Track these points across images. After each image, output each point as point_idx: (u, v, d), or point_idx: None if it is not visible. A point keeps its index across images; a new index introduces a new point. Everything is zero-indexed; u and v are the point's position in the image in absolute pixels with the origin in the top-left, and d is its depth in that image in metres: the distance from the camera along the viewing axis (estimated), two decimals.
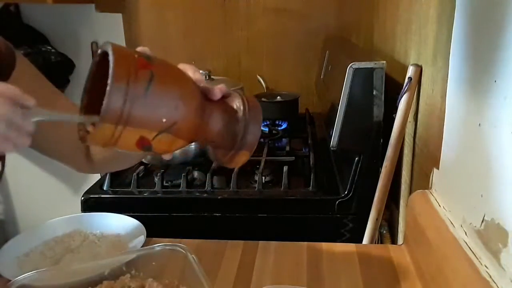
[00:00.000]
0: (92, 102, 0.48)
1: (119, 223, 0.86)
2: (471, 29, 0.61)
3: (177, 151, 1.13)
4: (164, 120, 0.45)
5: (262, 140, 1.40)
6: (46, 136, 0.71)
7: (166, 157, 0.54)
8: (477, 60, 0.59)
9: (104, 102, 0.42)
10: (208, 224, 1.03)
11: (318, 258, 0.76)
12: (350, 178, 0.96)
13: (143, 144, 0.45)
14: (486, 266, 0.54)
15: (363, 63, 0.89)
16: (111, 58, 0.42)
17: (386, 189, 0.89)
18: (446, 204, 0.70)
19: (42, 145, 0.73)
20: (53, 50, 1.79)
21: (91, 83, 0.49)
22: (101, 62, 0.47)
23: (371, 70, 0.88)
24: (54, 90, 0.73)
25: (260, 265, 0.74)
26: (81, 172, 0.79)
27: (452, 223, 0.65)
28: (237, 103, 0.52)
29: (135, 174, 1.09)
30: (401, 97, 0.84)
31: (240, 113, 0.51)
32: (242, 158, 0.52)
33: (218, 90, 0.51)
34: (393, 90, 0.89)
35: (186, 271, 0.62)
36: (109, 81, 0.42)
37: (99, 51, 0.47)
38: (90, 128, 0.46)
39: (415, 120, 0.87)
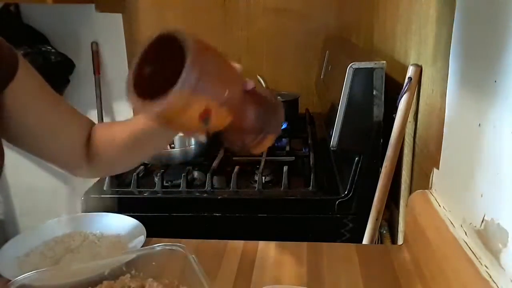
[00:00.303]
0: (140, 83, 0.52)
1: (119, 223, 0.86)
2: (471, 29, 0.61)
3: (177, 151, 1.13)
4: (226, 92, 0.51)
5: None
6: (44, 143, 0.71)
7: (202, 138, 0.63)
8: (477, 60, 0.59)
9: (183, 74, 0.46)
10: (208, 224, 1.03)
11: (318, 258, 0.76)
12: (350, 178, 0.96)
13: (205, 115, 0.50)
14: (486, 266, 0.54)
15: (363, 63, 0.89)
16: (182, 36, 0.48)
17: (386, 189, 0.89)
18: (446, 204, 0.70)
19: (40, 150, 0.72)
20: (53, 50, 1.79)
21: (140, 65, 0.53)
22: (153, 46, 0.52)
23: (371, 70, 0.88)
24: (54, 93, 0.73)
25: (260, 265, 0.74)
26: (79, 176, 0.79)
27: (452, 223, 0.65)
28: (263, 92, 0.60)
29: (135, 174, 1.09)
30: (401, 97, 0.84)
31: (269, 101, 0.59)
32: (269, 142, 0.60)
33: (251, 81, 0.59)
34: (393, 90, 0.89)
35: (186, 271, 0.62)
36: (187, 56, 0.46)
37: (155, 35, 0.51)
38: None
39: (415, 120, 0.87)
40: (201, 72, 0.47)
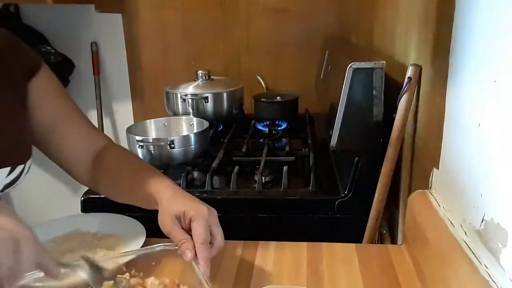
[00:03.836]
0: None
1: (119, 223, 0.86)
2: (471, 29, 0.61)
3: (177, 151, 1.13)
4: None
5: (262, 140, 1.40)
6: (52, 145, 0.79)
7: None
8: (477, 60, 0.59)
9: None
10: None
11: (318, 258, 0.76)
12: (350, 178, 0.96)
13: None
14: (486, 266, 0.54)
15: (363, 63, 0.89)
16: None
17: (386, 189, 0.89)
18: (446, 204, 0.70)
19: (48, 150, 0.80)
20: (53, 51, 1.79)
21: None
22: None
23: (371, 70, 0.88)
24: (72, 103, 0.81)
25: (260, 265, 0.74)
26: (80, 183, 0.83)
27: (452, 223, 0.65)
28: None
29: None
30: (401, 97, 0.84)
31: None
32: None
33: None
34: (393, 90, 0.89)
35: (186, 271, 0.62)
36: None
37: None
38: None
39: (415, 120, 0.87)
40: None
